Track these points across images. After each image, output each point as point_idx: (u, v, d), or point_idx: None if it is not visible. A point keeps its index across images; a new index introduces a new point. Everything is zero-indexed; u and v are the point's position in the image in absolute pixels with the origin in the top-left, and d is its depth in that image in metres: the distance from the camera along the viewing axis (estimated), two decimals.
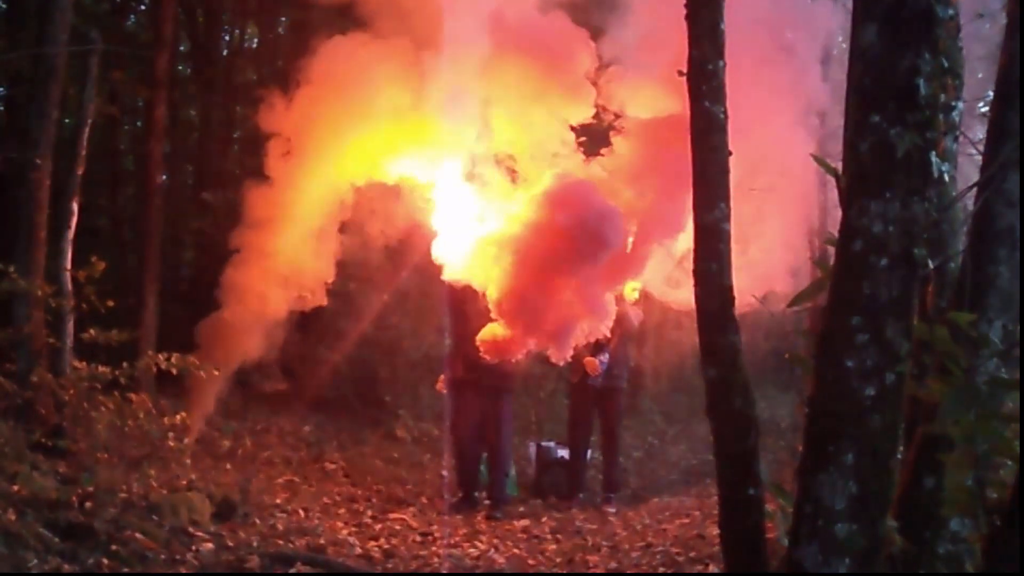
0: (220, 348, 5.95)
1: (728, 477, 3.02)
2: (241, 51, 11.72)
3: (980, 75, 4.64)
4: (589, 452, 7.18)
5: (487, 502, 6.12)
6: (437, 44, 5.38)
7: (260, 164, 6.13)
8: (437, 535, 5.31)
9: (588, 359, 6.46)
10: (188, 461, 5.47)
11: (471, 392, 6.09)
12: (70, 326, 5.60)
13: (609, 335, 6.22)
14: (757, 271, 5.12)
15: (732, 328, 3.08)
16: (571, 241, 5.04)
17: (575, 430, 6.78)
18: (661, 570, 4.79)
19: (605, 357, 6.52)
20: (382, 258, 7.54)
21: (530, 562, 4.94)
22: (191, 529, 4.40)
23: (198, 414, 6.10)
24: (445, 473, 6.32)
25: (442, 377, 6.27)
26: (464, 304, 6.04)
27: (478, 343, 5.51)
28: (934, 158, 2.38)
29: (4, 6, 10.21)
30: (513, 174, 5.75)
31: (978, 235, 2.76)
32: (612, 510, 6.34)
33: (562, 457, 6.83)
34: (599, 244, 5.07)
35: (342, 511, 5.64)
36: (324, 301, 6.25)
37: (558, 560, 4.99)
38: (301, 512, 5.36)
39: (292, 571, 4.12)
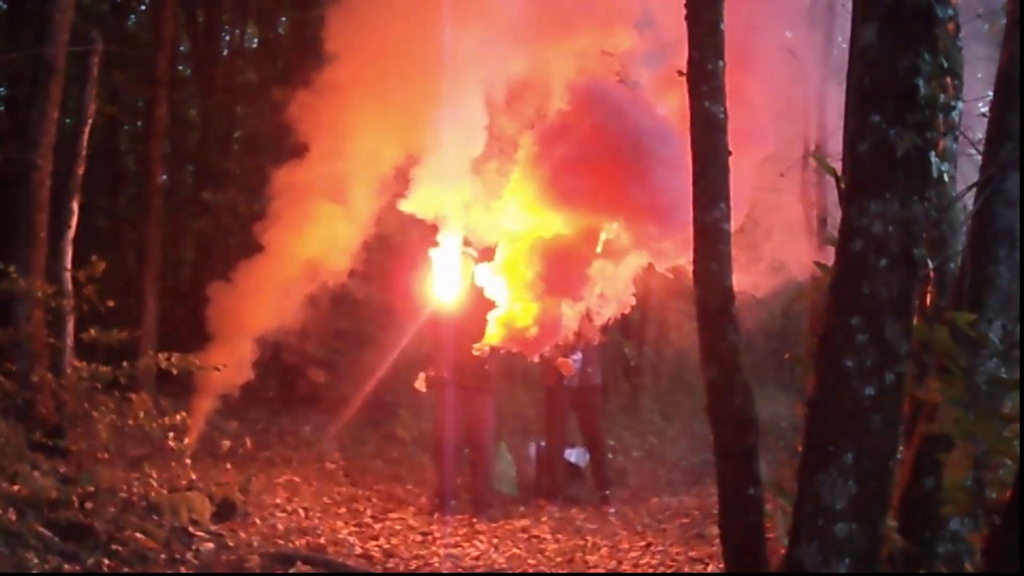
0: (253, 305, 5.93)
1: (728, 477, 3.02)
2: (241, 51, 11.71)
3: (980, 75, 4.64)
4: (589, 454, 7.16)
5: (473, 505, 6.00)
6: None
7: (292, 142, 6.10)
8: (437, 535, 5.31)
9: (561, 360, 6.37)
10: (188, 461, 5.47)
11: (451, 392, 5.98)
12: (70, 326, 5.61)
13: (578, 333, 6.12)
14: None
15: (732, 328, 3.08)
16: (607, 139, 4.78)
17: (551, 433, 6.73)
18: (661, 570, 4.79)
19: (578, 356, 6.44)
20: (383, 256, 7.54)
21: (530, 562, 4.94)
22: (191, 529, 4.41)
23: (202, 411, 6.10)
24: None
25: (422, 376, 6.16)
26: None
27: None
28: (934, 158, 2.39)
29: (4, 6, 10.22)
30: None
31: (978, 235, 2.76)
32: (612, 510, 6.31)
33: (563, 458, 6.80)
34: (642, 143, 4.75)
35: (342, 511, 5.64)
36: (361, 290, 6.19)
37: (558, 560, 4.99)
38: (301, 512, 5.36)
39: (292, 571, 4.12)
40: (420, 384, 6.14)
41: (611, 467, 7.01)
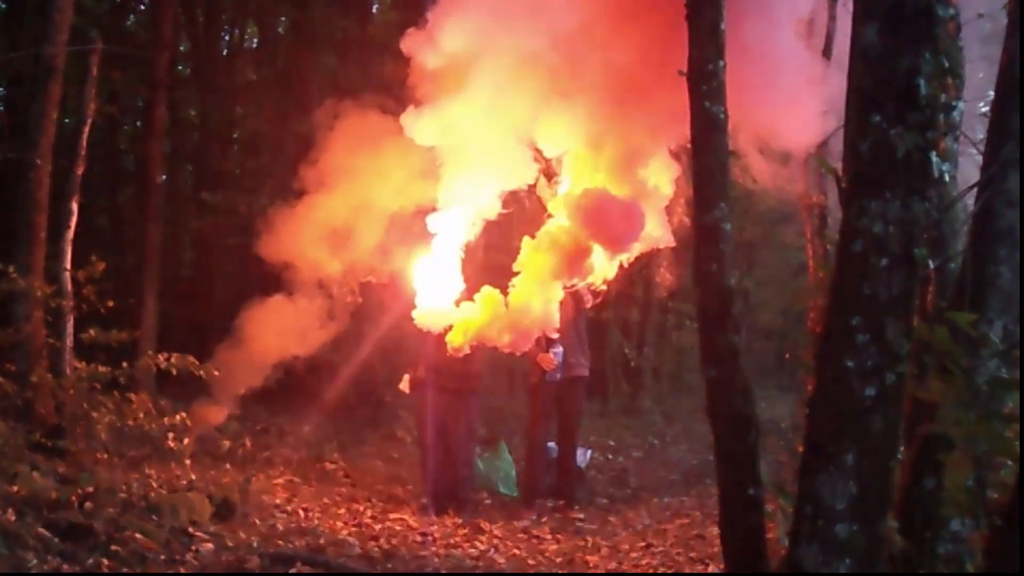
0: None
1: (728, 477, 3.02)
2: (241, 51, 11.73)
3: (981, 75, 4.63)
4: (590, 452, 7.13)
5: (454, 503, 5.92)
6: None
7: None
8: (437, 535, 5.30)
9: (542, 356, 6.15)
10: (188, 461, 5.47)
11: (434, 394, 5.90)
12: (70, 326, 5.60)
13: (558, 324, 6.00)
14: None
15: (732, 328, 3.08)
16: None
17: (532, 431, 6.49)
18: (661, 570, 4.79)
19: (559, 349, 6.20)
20: (383, 257, 7.53)
21: (530, 562, 4.94)
22: (191, 529, 4.40)
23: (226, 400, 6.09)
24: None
25: (406, 378, 6.09)
26: None
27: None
28: (934, 158, 2.38)
29: (4, 6, 10.23)
30: None
31: (978, 235, 2.76)
32: (581, 516, 6.08)
33: (545, 453, 6.66)
34: None
35: (342, 511, 5.63)
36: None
37: (558, 560, 4.98)
38: (301, 512, 5.36)
39: (292, 571, 4.11)
40: (404, 385, 6.09)
41: (582, 478, 6.68)
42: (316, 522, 5.21)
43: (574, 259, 5.13)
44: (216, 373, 5.60)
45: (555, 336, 5.98)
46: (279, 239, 5.98)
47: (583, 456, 6.94)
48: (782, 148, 5.01)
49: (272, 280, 6.39)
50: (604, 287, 5.83)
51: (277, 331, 6.05)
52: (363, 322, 7.82)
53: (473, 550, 5.09)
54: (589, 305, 6.31)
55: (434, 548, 5.04)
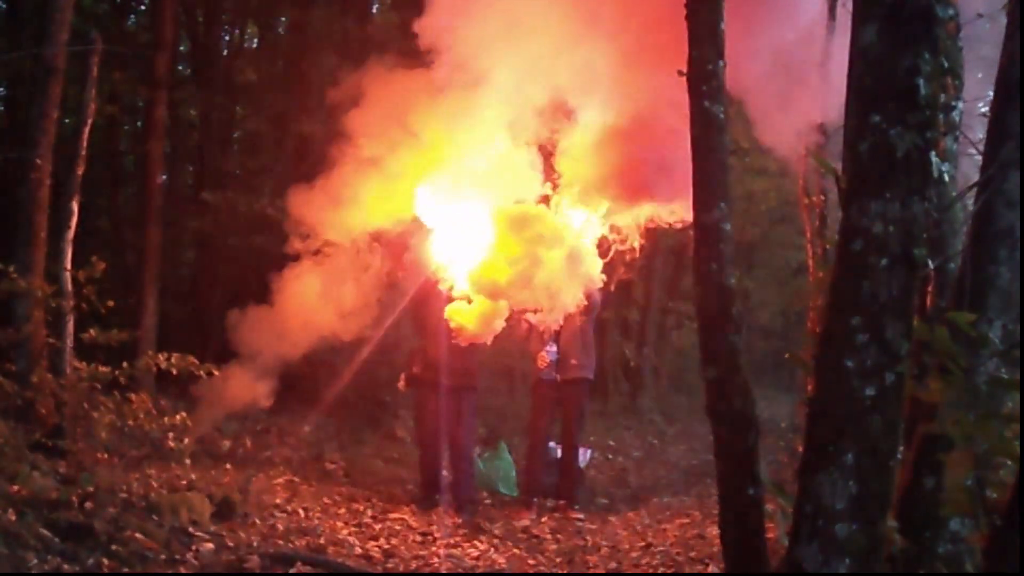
0: None
1: (728, 477, 3.02)
2: (241, 51, 11.72)
3: (980, 75, 4.64)
4: (590, 452, 7.12)
5: (455, 502, 5.92)
6: None
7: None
8: (437, 535, 5.31)
9: (539, 354, 6.23)
10: (188, 461, 5.47)
11: (431, 391, 5.93)
12: (70, 326, 5.60)
13: (559, 323, 5.94)
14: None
15: (732, 328, 3.08)
16: None
17: (531, 429, 6.53)
18: (661, 570, 4.79)
19: (552, 347, 6.22)
20: (382, 256, 7.53)
21: (530, 562, 4.94)
22: (191, 529, 4.40)
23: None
24: (445, 472, 6.29)
25: (404, 376, 6.12)
26: (426, 302, 5.94)
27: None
28: (934, 158, 2.38)
29: (4, 6, 10.24)
30: None
31: (978, 235, 2.76)
32: (580, 516, 6.08)
33: (545, 453, 6.66)
34: None
35: (342, 511, 5.63)
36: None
37: (558, 560, 4.99)
38: (301, 512, 5.36)
39: (292, 571, 4.11)
40: (401, 384, 6.15)
41: (582, 478, 6.65)
42: (316, 522, 5.21)
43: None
44: (215, 373, 5.58)
45: (588, 300, 5.96)
46: (308, 215, 5.93)
47: (583, 456, 6.93)
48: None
49: (276, 276, 6.34)
50: (637, 247, 5.89)
51: (315, 303, 5.96)
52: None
53: (473, 550, 5.09)
54: (598, 309, 6.34)
55: (434, 548, 5.04)
